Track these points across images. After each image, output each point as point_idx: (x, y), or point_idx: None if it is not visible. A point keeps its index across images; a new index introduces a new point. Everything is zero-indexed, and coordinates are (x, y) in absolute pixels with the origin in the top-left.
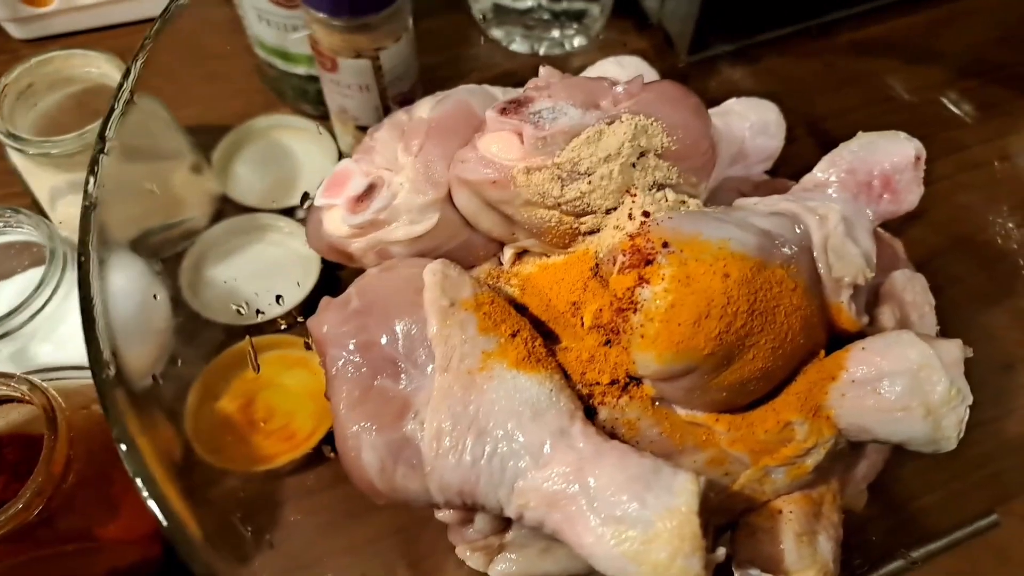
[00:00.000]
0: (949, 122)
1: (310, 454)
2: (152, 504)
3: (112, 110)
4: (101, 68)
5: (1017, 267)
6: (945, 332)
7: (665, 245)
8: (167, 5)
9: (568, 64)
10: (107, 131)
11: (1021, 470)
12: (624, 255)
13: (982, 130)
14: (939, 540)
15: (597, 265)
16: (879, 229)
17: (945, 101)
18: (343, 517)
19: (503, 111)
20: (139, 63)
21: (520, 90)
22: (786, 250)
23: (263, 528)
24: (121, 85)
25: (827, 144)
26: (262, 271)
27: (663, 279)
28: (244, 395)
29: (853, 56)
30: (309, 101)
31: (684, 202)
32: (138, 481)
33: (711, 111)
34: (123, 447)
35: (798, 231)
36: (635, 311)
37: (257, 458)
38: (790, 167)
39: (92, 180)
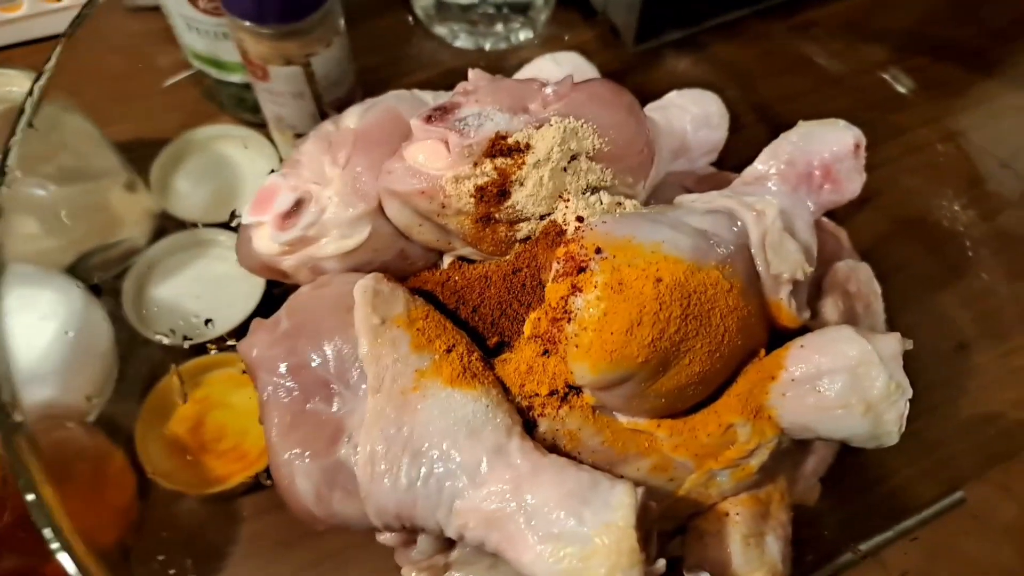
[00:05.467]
0: (894, 103)
1: (260, 475)
2: (62, 556)
3: (12, 137)
4: (23, 87)
5: (964, 249)
6: (895, 318)
7: (598, 251)
8: (72, 23)
9: (513, 58)
10: (8, 160)
11: (975, 451)
12: (558, 262)
13: (926, 111)
14: (896, 526)
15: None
16: (823, 219)
17: (890, 81)
18: (289, 541)
19: (428, 119)
20: (40, 84)
21: (449, 94)
22: (721, 250)
23: (210, 558)
24: (22, 110)
25: (776, 130)
26: (207, 288)
27: (595, 287)
28: (192, 418)
29: (799, 40)
30: (247, 109)
31: (620, 204)
32: (45, 532)
33: (651, 105)
34: (31, 497)
35: (735, 229)
36: (569, 320)
37: (210, 480)
38: (737, 156)
39: None
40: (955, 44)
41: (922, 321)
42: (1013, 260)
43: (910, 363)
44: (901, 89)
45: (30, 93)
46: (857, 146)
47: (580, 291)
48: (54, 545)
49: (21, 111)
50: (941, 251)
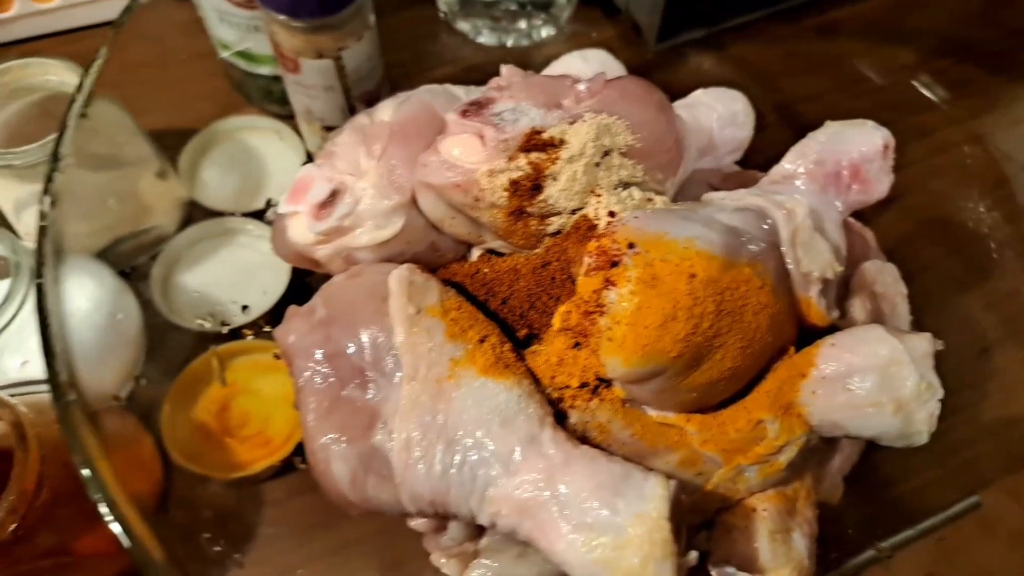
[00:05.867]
0: (918, 104)
1: (284, 461)
2: (117, 528)
3: (65, 127)
4: (60, 76)
5: (989, 251)
6: (919, 319)
7: (631, 246)
8: (120, 15)
9: (536, 55)
10: (61, 148)
11: (998, 454)
12: (590, 256)
13: (952, 112)
14: (915, 527)
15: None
16: (849, 219)
17: (914, 83)
18: (316, 525)
19: (464, 113)
20: (91, 75)
21: (482, 89)
22: (753, 247)
23: (235, 540)
24: (74, 99)
25: (798, 130)
26: (233, 275)
27: (629, 281)
28: (218, 402)
29: (821, 40)
30: (275, 101)
31: (650, 200)
32: (102, 506)
33: (678, 103)
34: (86, 472)
35: (765, 227)
36: (602, 314)
37: (234, 465)
38: (761, 155)
39: (47, 199)
40: (980, 46)
41: (946, 323)
42: None
43: (935, 364)
44: (924, 90)
45: (81, 83)
46: (886, 147)
47: (613, 285)
48: (109, 518)
49: (72, 100)
50: (966, 253)
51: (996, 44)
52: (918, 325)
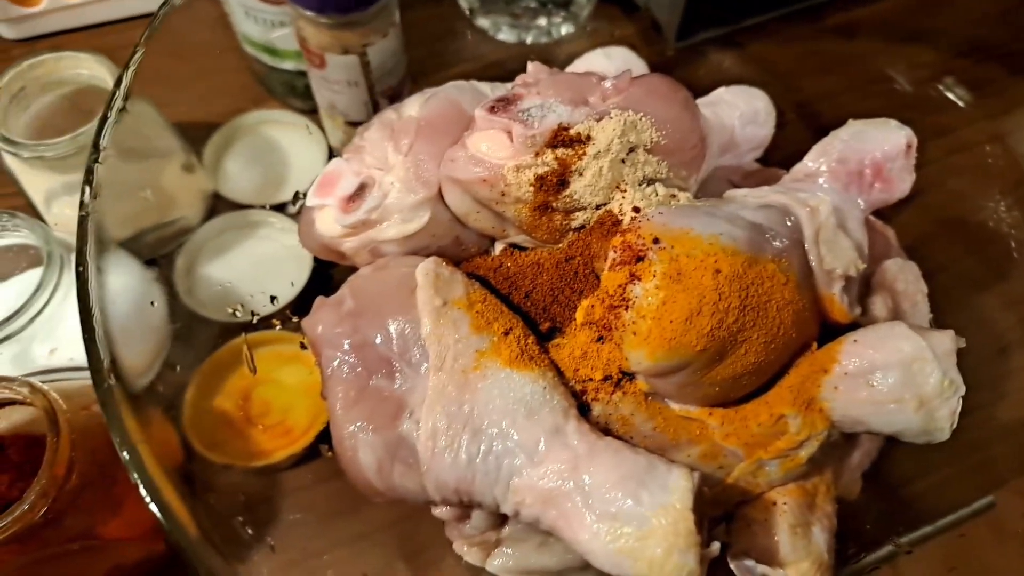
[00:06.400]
0: (938, 104)
1: (306, 450)
2: (155, 508)
3: (105, 119)
4: (91, 69)
5: (1009, 250)
6: (938, 318)
7: (656, 241)
8: (156, 11)
9: (556, 52)
10: (101, 140)
11: (1015, 454)
12: (615, 251)
13: (972, 112)
14: (933, 523)
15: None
16: (871, 217)
17: (934, 82)
18: (340, 512)
19: (492, 109)
20: (131, 70)
21: (508, 86)
22: (777, 243)
23: (263, 526)
24: (114, 94)
25: (818, 128)
26: (255, 267)
27: (654, 276)
28: (240, 391)
29: (840, 39)
30: (298, 96)
31: (674, 196)
32: (141, 487)
33: (700, 101)
34: (126, 454)
35: (789, 224)
36: (627, 308)
37: (255, 453)
38: (781, 152)
39: (88, 190)
40: (1000, 47)
41: (965, 322)
42: None
43: None
44: (944, 91)
45: (120, 76)
46: (909, 146)
47: (639, 279)
48: (148, 500)
49: (113, 93)
50: (985, 252)
51: (1016, 45)
52: (937, 324)
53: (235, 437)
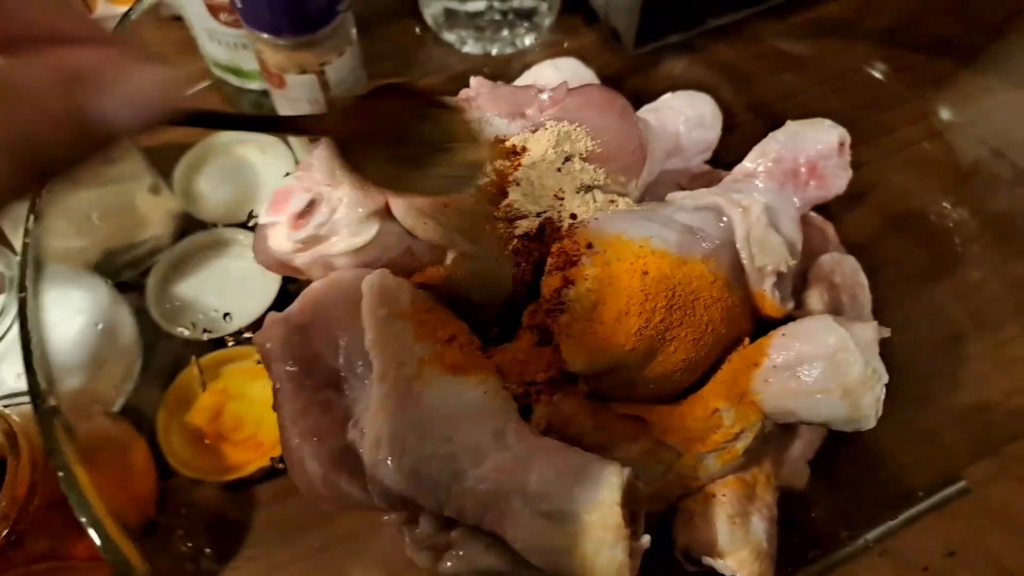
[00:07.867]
0: (885, 101)
1: (275, 462)
2: (91, 531)
3: None
4: None
5: (954, 243)
6: (891, 311)
7: (589, 246)
8: (119, 21)
9: (520, 63)
10: None
11: (970, 440)
12: (552, 257)
13: (916, 107)
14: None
15: None
16: (811, 213)
17: (881, 78)
18: (304, 525)
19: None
20: None
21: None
22: (706, 244)
23: (225, 544)
24: None
25: (770, 128)
26: (225, 285)
27: (586, 279)
28: (212, 407)
29: (793, 40)
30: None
31: (613, 201)
32: (76, 508)
33: (646, 107)
34: (61, 474)
35: (721, 224)
36: (562, 311)
37: (228, 467)
38: (734, 154)
39: (31, 217)
40: (947, 41)
41: (917, 314)
42: (1004, 254)
43: (906, 354)
44: (893, 86)
45: None
46: (842, 144)
47: (572, 283)
48: (83, 519)
49: None
50: (933, 246)
51: (963, 39)
52: (888, 317)
53: (207, 453)
